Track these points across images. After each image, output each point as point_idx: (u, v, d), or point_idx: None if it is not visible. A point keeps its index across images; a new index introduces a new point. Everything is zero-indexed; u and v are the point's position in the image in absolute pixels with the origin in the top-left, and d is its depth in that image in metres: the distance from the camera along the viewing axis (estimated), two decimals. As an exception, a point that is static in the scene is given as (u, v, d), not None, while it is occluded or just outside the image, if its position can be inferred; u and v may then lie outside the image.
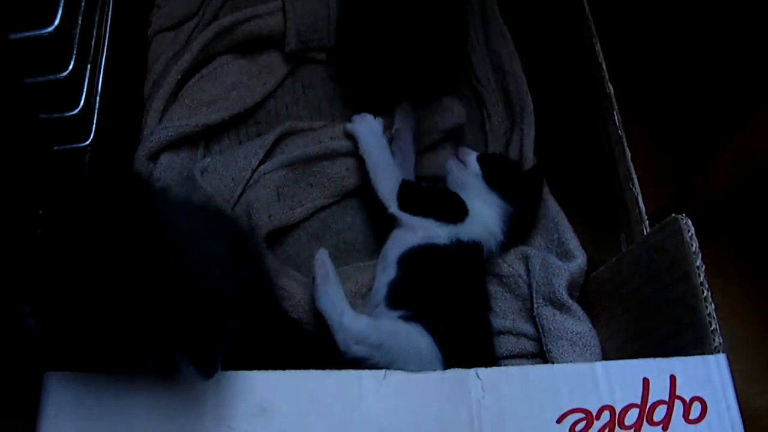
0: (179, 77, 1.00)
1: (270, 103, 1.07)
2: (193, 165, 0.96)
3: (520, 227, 0.97)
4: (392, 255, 0.90)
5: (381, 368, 0.74)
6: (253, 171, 0.97)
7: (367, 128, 0.97)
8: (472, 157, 0.97)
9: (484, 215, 0.93)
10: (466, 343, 0.84)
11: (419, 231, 0.90)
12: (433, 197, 0.94)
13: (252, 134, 1.04)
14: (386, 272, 0.89)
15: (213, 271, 0.57)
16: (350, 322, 0.80)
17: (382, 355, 0.79)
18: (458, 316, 0.85)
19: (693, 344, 0.74)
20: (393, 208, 0.92)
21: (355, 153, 0.98)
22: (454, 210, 0.92)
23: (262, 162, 0.97)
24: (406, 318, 0.84)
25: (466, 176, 0.96)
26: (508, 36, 1.15)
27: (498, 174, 0.95)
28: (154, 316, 0.54)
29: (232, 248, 0.60)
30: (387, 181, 0.93)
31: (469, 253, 0.91)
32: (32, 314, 0.56)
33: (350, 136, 0.98)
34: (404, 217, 0.91)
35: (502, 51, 1.13)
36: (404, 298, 0.86)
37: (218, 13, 1.10)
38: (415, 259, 0.88)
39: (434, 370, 0.77)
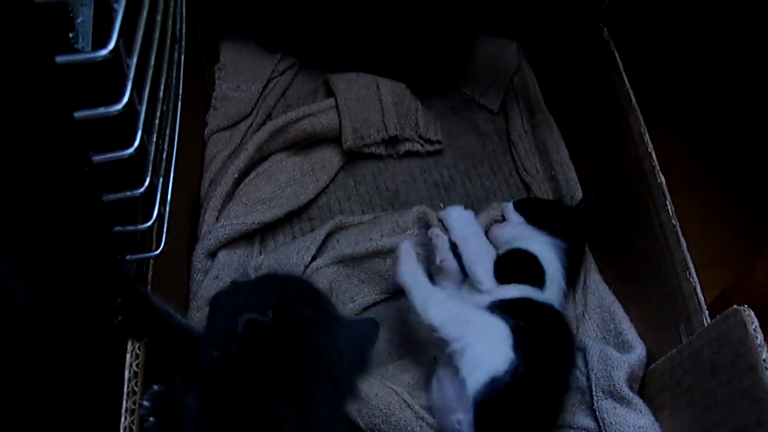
0: (236, 176, 1.03)
1: (322, 198, 1.10)
2: (248, 262, 0.98)
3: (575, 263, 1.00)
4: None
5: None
6: (306, 267, 0.98)
7: (459, 217, 1.00)
8: (509, 208, 1.02)
9: (550, 269, 0.95)
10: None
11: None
12: (522, 263, 0.96)
13: (306, 229, 1.06)
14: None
15: None
16: (435, 309, 0.85)
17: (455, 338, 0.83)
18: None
19: (764, 440, 0.72)
20: (489, 285, 0.93)
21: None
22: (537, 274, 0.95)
23: (314, 258, 0.99)
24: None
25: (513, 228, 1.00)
26: (554, 125, 1.17)
27: (539, 214, 1.01)
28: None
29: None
30: (483, 263, 0.95)
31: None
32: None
33: (402, 232, 1.01)
34: (501, 289, 0.92)
35: (548, 140, 1.15)
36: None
37: (271, 112, 1.14)
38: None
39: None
